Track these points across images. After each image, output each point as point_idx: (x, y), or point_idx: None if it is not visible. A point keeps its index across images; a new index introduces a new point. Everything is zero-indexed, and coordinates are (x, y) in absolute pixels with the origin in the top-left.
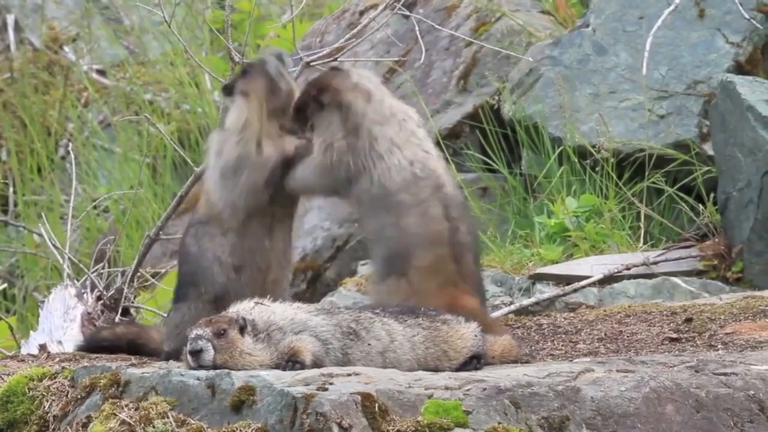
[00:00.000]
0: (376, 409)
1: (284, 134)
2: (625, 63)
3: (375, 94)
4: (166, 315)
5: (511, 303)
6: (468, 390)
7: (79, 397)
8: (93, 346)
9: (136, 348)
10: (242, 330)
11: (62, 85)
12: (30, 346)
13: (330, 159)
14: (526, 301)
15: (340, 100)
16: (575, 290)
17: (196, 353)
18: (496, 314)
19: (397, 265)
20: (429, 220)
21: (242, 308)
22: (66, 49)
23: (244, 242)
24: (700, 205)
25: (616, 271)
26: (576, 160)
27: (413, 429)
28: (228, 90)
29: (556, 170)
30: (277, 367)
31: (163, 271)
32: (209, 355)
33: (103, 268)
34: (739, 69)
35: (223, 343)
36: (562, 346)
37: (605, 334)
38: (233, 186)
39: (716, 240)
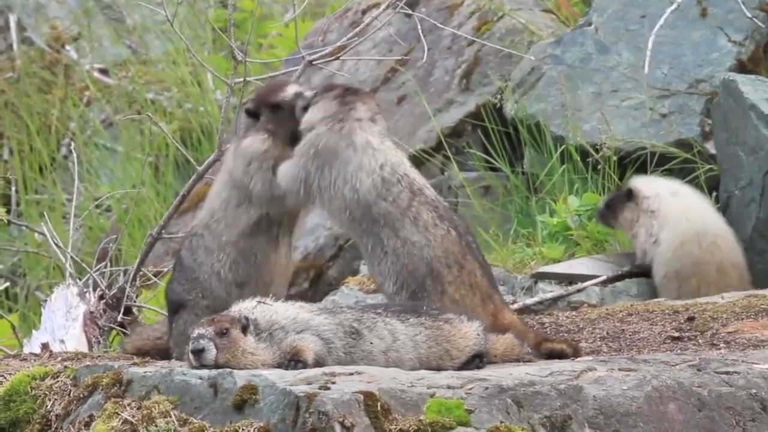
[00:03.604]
0: (379, 408)
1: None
2: (628, 62)
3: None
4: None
5: (514, 302)
6: (470, 389)
7: (81, 396)
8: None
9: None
10: (244, 329)
11: (64, 85)
12: (32, 345)
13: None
14: (529, 300)
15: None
16: (579, 290)
17: (198, 352)
18: None
19: (426, 284)
20: (427, 226)
21: (244, 307)
22: (68, 48)
23: (249, 258)
24: None
25: (618, 270)
26: (578, 159)
27: (415, 428)
28: (252, 114)
29: (558, 169)
30: (279, 366)
31: (165, 270)
32: (211, 354)
33: (105, 267)
34: (742, 68)
35: (225, 342)
36: None
37: (607, 333)
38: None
39: None
